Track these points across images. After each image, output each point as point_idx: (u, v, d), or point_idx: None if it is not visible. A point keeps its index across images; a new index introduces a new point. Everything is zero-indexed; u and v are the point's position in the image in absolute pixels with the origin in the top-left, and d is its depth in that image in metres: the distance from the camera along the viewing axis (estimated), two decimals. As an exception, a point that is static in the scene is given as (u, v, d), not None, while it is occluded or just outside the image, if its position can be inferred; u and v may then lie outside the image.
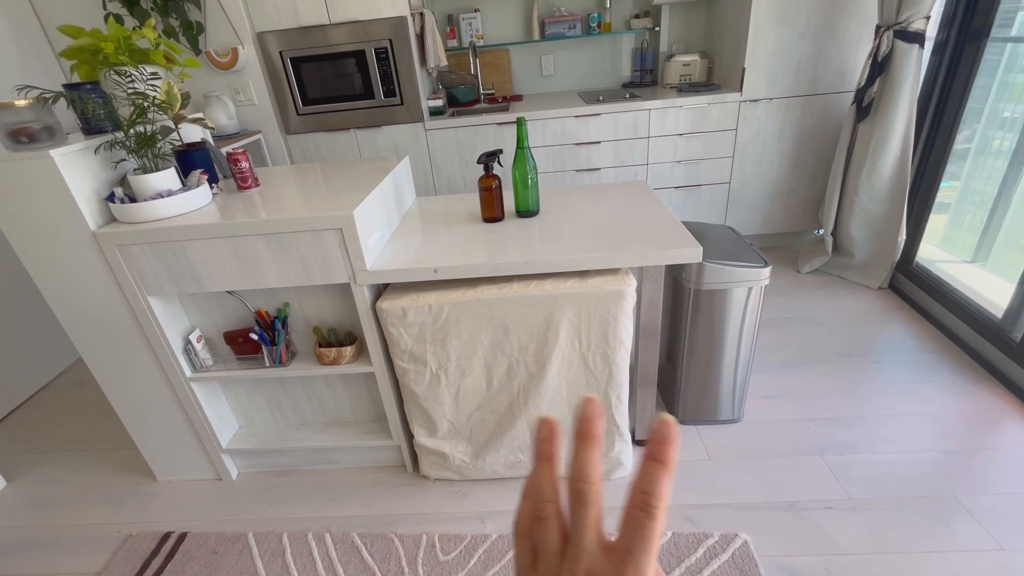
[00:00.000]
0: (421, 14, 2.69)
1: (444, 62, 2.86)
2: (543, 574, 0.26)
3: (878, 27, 2.22)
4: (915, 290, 2.36)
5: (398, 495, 1.67)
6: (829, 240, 2.63)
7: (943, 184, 2.32)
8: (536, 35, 3.04)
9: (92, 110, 1.32)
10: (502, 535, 1.49)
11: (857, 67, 2.48)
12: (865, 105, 2.30)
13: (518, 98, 3.18)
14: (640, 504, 0.24)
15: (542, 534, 0.26)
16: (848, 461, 1.61)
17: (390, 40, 2.60)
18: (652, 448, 0.24)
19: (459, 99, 3.13)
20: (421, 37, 2.74)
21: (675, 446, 0.24)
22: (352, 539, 1.52)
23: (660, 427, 0.25)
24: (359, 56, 2.64)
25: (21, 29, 2.48)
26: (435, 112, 2.88)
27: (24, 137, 1.25)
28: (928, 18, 2.08)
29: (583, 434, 0.25)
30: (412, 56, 2.64)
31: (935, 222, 2.41)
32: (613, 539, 0.25)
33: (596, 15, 2.98)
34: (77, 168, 1.30)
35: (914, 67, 2.14)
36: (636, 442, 1.73)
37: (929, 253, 2.45)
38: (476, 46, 3.04)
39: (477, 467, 1.63)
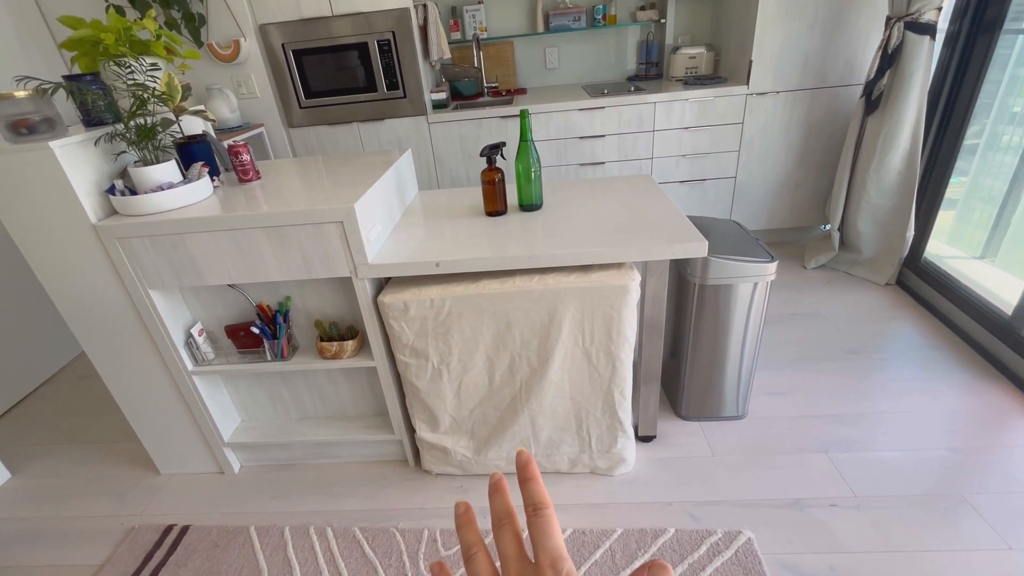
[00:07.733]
0: (424, 6, 2.67)
1: (447, 55, 2.84)
2: None
3: (888, 18, 2.18)
4: (923, 286, 2.33)
5: (400, 490, 1.67)
6: (836, 235, 2.60)
7: (951, 180, 2.28)
8: (540, 27, 3.00)
9: (92, 102, 1.31)
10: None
11: (866, 59, 2.44)
12: (874, 98, 2.26)
13: (522, 91, 3.15)
14: (531, 512, 0.32)
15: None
16: (853, 458, 1.60)
17: (393, 32, 2.58)
18: (520, 473, 0.33)
19: (462, 92, 3.10)
20: (424, 29, 2.72)
21: (534, 465, 0.33)
22: (354, 533, 1.52)
23: (519, 457, 0.34)
24: (362, 48, 2.62)
25: (23, 20, 2.47)
26: (438, 105, 2.86)
27: (24, 129, 1.24)
28: (940, 9, 2.04)
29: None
30: (415, 49, 2.62)
31: (943, 218, 2.37)
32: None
33: (601, 7, 2.94)
34: (77, 160, 1.29)
35: (925, 59, 2.10)
36: (639, 438, 1.72)
37: (937, 249, 2.42)
38: (480, 39, 3.02)
39: (479, 462, 1.62)
